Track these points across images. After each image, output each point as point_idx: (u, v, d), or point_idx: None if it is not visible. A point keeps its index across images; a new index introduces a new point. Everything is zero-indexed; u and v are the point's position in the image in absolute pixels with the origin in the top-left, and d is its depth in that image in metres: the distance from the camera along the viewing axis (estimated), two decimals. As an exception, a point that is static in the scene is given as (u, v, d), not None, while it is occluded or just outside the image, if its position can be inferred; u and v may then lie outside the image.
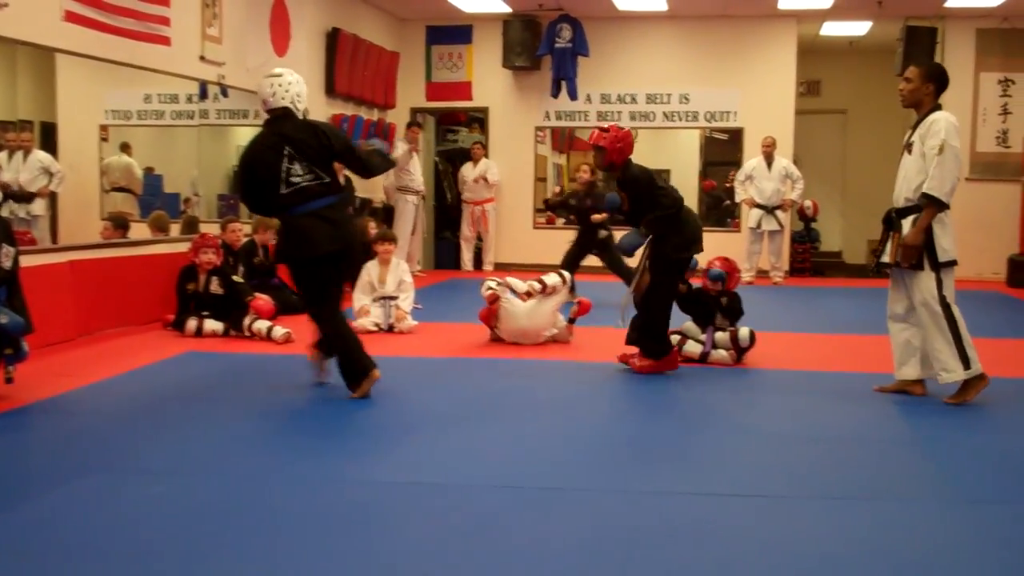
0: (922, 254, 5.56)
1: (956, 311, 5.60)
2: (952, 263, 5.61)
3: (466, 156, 14.49)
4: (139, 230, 8.82)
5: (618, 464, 4.47)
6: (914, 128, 5.68)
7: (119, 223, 8.61)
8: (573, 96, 13.72)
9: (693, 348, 6.92)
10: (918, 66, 5.76)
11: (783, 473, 4.34)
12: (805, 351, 7.63)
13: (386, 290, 8.41)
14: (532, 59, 13.92)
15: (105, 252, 8.07)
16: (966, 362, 5.57)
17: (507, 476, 4.20)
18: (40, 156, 7.90)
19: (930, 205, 5.50)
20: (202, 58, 9.23)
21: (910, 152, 5.66)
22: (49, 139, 8.09)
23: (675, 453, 4.69)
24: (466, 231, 14.21)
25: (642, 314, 6.40)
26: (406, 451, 4.56)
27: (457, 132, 15.69)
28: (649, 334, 6.38)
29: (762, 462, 4.53)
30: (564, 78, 13.66)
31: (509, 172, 14.31)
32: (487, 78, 14.48)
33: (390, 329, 8.24)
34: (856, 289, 12.37)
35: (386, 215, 13.01)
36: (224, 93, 9.78)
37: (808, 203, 14.29)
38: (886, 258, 5.76)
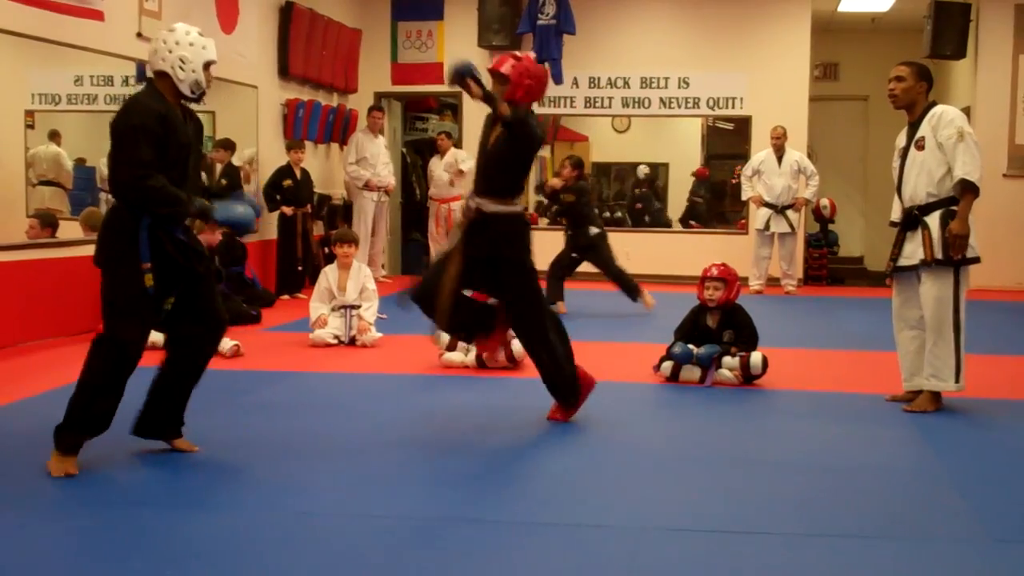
0: (942, 250, 5.93)
1: (963, 318, 6.00)
2: (975, 260, 6.00)
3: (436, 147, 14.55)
4: (69, 229, 8.82)
5: (610, 496, 4.56)
6: (912, 128, 6.14)
7: (47, 221, 8.61)
8: (558, 80, 13.77)
9: (691, 374, 7.00)
10: (908, 64, 6.18)
11: (792, 507, 4.41)
12: (820, 370, 7.72)
13: (346, 298, 8.46)
14: (511, 37, 13.96)
15: (31, 253, 8.09)
16: (958, 375, 6.02)
17: (473, 506, 4.27)
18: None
19: (967, 191, 5.88)
20: (139, 35, 9.24)
21: (921, 148, 6.06)
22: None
23: (673, 484, 4.76)
24: (434, 231, 14.25)
25: (539, 358, 5.74)
26: (356, 476, 4.63)
27: (427, 120, 15.75)
28: (552, 379, 5.78)
29: (769, 495, 4.60)
30: (548, 59, 13.72)
31: (486, 165, 14.32)
32: (460, 58, 14.49)
33: (351, 342, 8.30)
34: (879, 300, 12.35)
35: (345, 212, 13.06)
36: (164, 74, 9.78)
37: (824, 202, 14.39)
38: (906, 261, 6.12)
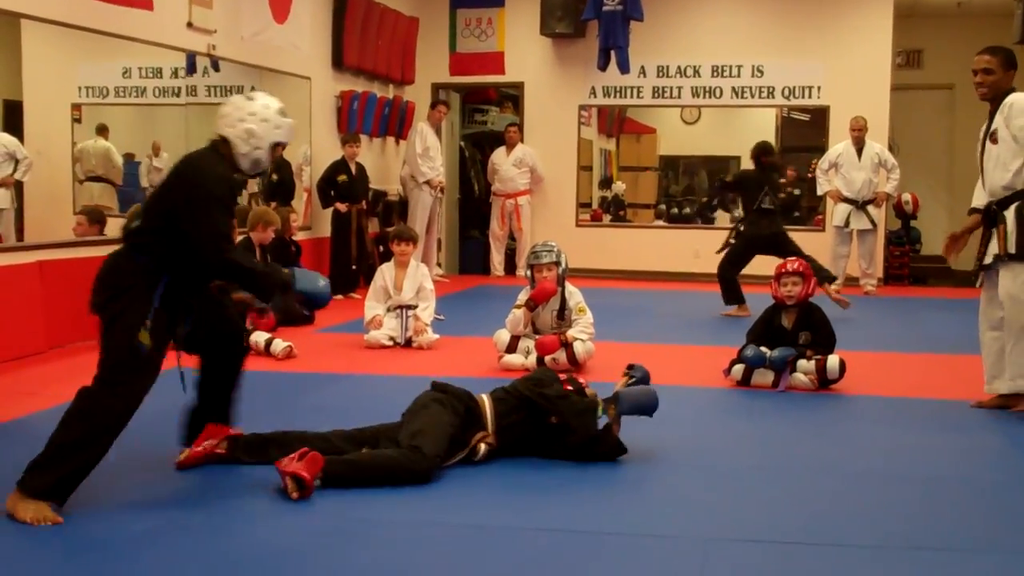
0: (1017, 242, 5.95)
1: None
2: None
3: (497, 140, 14.61)
4: (118, 226, 8.96)
5: (678, 505, 4.57)
6: (990, 118, 6.13)
7: (95, 217, 8.78)
8: (624, 69, 13.70)
9: (764, 378, 6.97)
10: (993, 53, 6.11)
11: (869, 518, 4.39)
12: (900, 374, 7.65)
13: (403, 298, 8.52)
14: (575, 25, 13.99)
15: (80, 251, 8.20)
16: None
17: (538, 515, 4.31)
18: (4, 140, 8.08)
19: None
20: (190, 25, 9.40)
21: (995, 142, 6.06)
22: (14, 120, 8.27)
23: (743, 494, 4.75)
24: (496, 229, 14.31)
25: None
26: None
27: (486, 112, 15.81)
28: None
29: (846, 505, 4.58)
30: (613, 47, 13.67)
31: (548, 159, 14.40)
32: (522, 48, 14.58)
33: (407, 343, 8.36)
34: (963, 301, 12.23)
35: (401, 209, 13.15)
36: (215, 66, 9.94)
37: (906, 197, 14.24)
38: (988, 259, 6.13)
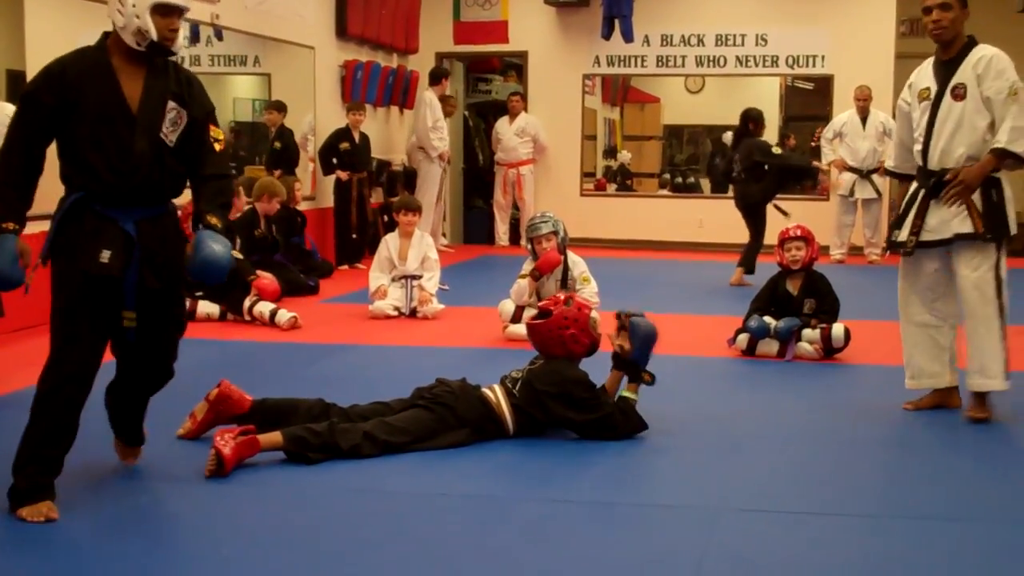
0: (989, 224, 5.24)
1: (1007, 301, 5.31)
2: (1013, 237, 5.36)
3: (501, 110, 14.53)
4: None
5: (683, 475, 4.56)
6: (945, 68, 5.34)
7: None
8: (628, 38, 13.56)
9: (769, 347, 6.94)
10: None
11: (875, 487, 4.40)
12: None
13: (407, 268, 8.49)
14: (580, -6, 13.92)
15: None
16: (1007, 372, 5.31)
17: (544, 486, 4.29)
18: (7, 110, 7.96)
19: (1004, 158, 5.17)
20: (195, -6, 9.35)
21: (959, 98, 5.26)
22: (17, 90, 8.20)
23: (749, 463, 4.74)
24: (500, 199, 14.26)
25: None
26: (419, 454, 4.66)
27: (490, 81, 15.74)
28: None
29: (850, 474, 4.60)
30: (617, 16, 13.51)
31: (552, 128, 14.32)
32: (526, 16, 14.49)
33: (412, 313, 8.33)
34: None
35: (406, 179, 13.09)
36: (218, 36, 9.89)
37: (910, 166, 14.17)
38: (931, 235, 5.35)
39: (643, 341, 5.07)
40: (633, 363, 5.07)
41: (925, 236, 5.37)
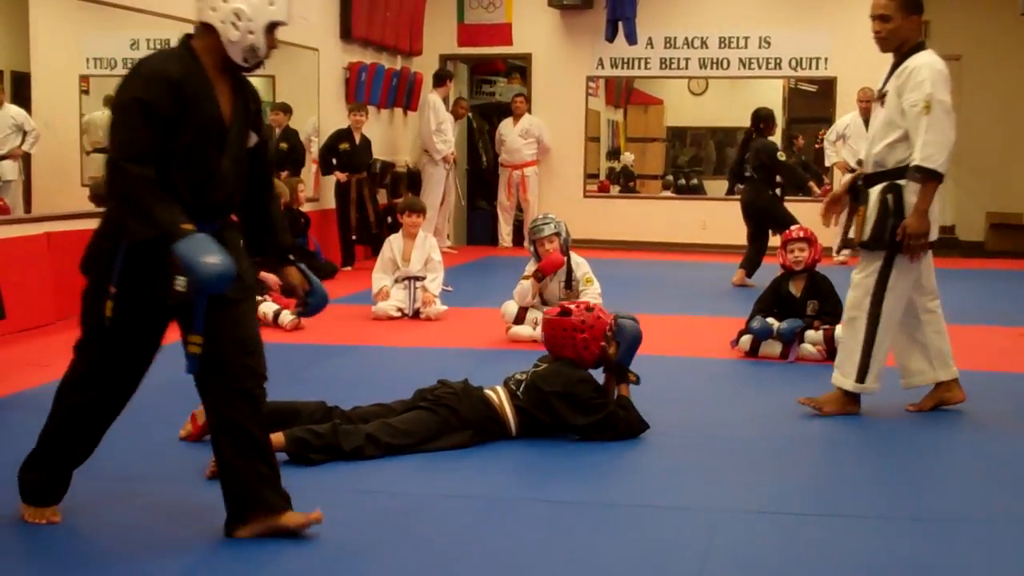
0: (880, 230, 5.23)
1: (886, 312, 5.30)
2: (929, 246, 5.33)
3: (505, 112, 14.52)
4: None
5: (686, 477, 4.55)
6: (890, 73, 5.38)
7: (101, 189, 8.74)
8: (632, 40, 13.60)
9: (772, 348, 6.92)
10: None
11: (876, 489, 4.39)
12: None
13: (411, 269, 8.47)
14: (584, -4, 13.91)
15: (87, 223, 8.17)
16: (862, 374, 5.36)
17: (545, 487, 4.28)
18: (12, 111, 8.04)
19: (927, 180, 5.14)
20: (198, -4, 9.31)
21: (882, 105, 5.35)
22: (22, 92, 8.23)
23: (751, 465, 4.73)
24: (504, 200, 14.25)
25: None
26: (421, 456, 4.65)
27: (494, 83, 15.74)
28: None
29: (851, 477, 4.60)
30: (621, 18, 13.55)
31: (556, 130, 14.32)
32: (530, 19, 14.48)
33: (415, 315, 8.32)
34: (971, 272, 12.27)
35: (410, 181, 13.09)
36: (223, 37, 9.84)
37: (913, 168, 14.17)
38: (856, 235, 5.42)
39: (630, 342, 5.09)
40: (619, 364, 5.08)
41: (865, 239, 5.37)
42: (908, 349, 5.59)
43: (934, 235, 5.27)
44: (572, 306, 5.17)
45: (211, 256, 3.40)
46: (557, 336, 5.09)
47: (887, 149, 5.26)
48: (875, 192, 5.27)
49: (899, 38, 5.28)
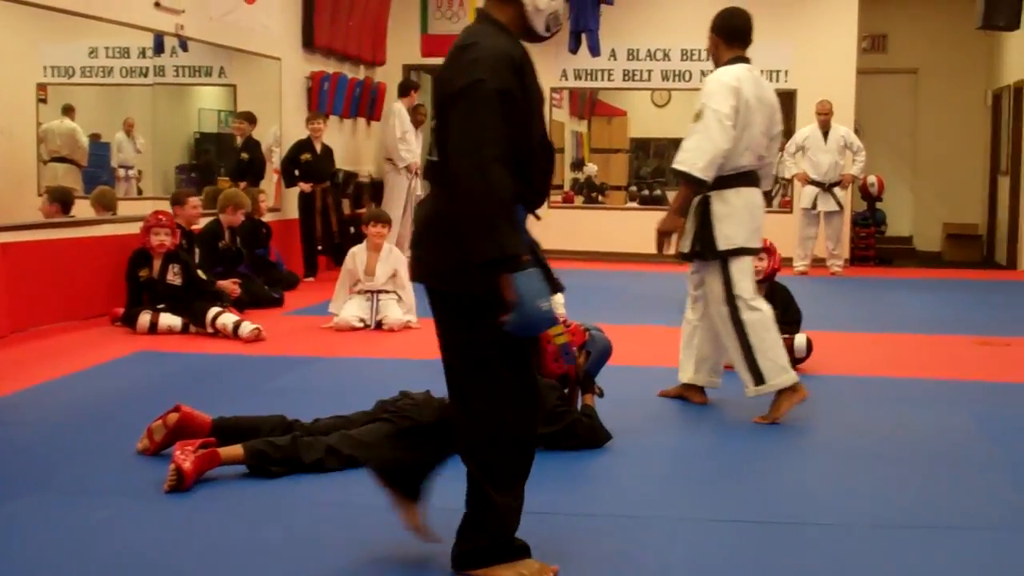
0: (702, 243, 5.52)
1: (749, 314, 5.49)
2: (739, 251, 5.52)
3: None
4: (83, 207, 8.83)
5: (647, 488, 4.52)
6: None
7: (56, 197, 8.61)
8: (595, 52, 13.59)
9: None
10: (711, 28, 5.74)
11: (834, 497, 4.38)
12: (867, 353, 7.63)
13: (375, 283, 8.33)
14: (547, 7, 13.86)
15: (43, 233, 8.09)
16: (757, 376, 5.49)
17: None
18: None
19: (683, 183, 5.47)
20: (157, 5, 9.20)
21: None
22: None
23: (712, 475, 4.71)
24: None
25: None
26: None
27: (458, 94, 15.68)
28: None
29: (810, 484, 4.57)
30: (584, 30, 13.52)
31: (519, 141, 14.26)
32: (493, 30, 14.42)
33: (377, 326, 8.22)
34: (929, 281, 12.35)
35: (373, 191, 13.01)
36: (183, 47, 9.78)
37: (872, 179, 14.28)
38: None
39: (600, 352, 5.09)
40: (587, 374, 5.06)
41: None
42: (689, 348, 5.92)
43: (741, 242, 5.49)
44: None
45: (544, 302, 3.12)
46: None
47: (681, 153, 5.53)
48: (693, 204, 5.53)
49: (718, 55, 5.67)
